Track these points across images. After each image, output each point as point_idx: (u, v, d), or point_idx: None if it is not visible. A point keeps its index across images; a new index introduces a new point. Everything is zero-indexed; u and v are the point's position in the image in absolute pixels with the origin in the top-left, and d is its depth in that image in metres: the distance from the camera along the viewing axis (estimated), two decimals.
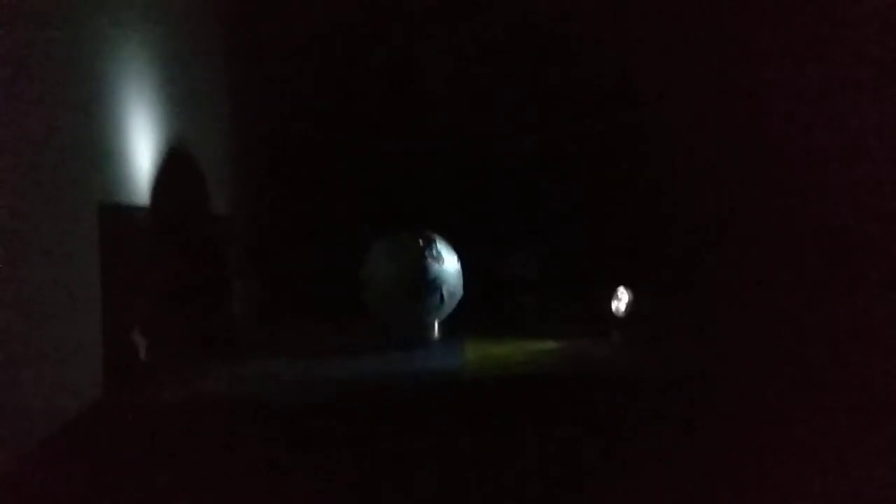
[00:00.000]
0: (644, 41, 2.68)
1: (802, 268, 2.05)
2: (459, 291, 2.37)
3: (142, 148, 2.00)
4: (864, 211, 1.86)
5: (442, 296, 2.29)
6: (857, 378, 1.86)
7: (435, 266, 2.28)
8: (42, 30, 1.54)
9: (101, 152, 1.80)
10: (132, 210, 1.93)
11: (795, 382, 1.89)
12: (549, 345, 2.35)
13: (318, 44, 2.97)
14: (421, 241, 2.30)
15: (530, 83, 3.04)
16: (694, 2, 2.48)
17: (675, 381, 1.98)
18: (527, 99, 3.05)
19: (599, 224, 2.92)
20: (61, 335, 1.59)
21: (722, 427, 1.87)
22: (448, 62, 3.11)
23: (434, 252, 2.29)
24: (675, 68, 2.57)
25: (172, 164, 2.16)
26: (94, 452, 1.61)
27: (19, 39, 1.46)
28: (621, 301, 2.64)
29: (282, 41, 2.90)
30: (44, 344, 1.52)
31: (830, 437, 1.80)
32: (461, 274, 2.38)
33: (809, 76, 1.99)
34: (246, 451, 1.70)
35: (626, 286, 2.64)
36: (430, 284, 2.27)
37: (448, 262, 2.32)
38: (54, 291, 1.56)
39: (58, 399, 1.58)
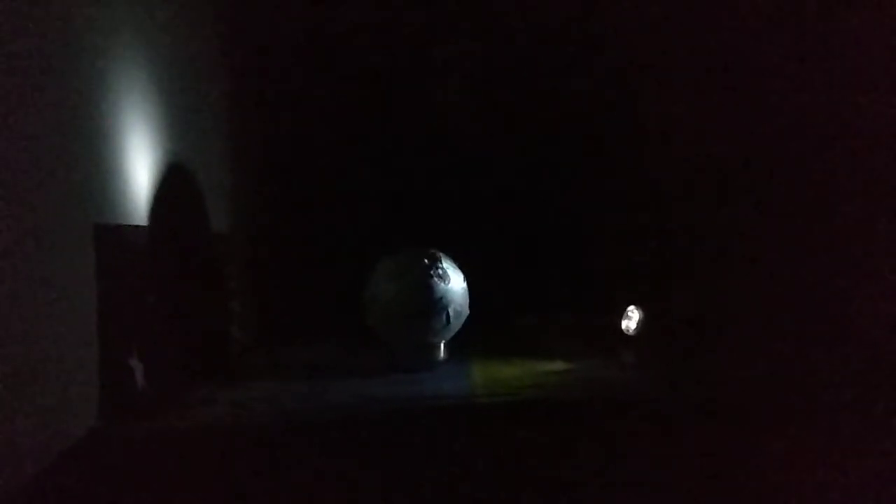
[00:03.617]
0: (651, 60, 2.68)
1: (815, 283, 2.01)
2: (466, 311, 2.32)
3: (139, 166, 1.96)
4: (870, 221, 1.84)
5: (448, 316, 2.24)
6: (864, 388, 1.82)
7: (441, 285, 2.22)
8: (37, 50, 1.51)
9: (97, 171, 1.76)
10: (129, 230, 1.88)
11: (813, 402, 1.85)
12: (559, 365, 2.30)
13: (321, 61, 2.96)
14: (426, 260, 2.25)
15: (539, 104, 3.03)
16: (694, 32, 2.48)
17: (688, 400, 1.93)
18: (534, 118, 3.04)
19: (609, 242, 2.91)
20: (55, 361, 1.53)
21: (737, 448, 1.83)
22: (455, 78, 3.11)
23: (439, 271, 2.24)
24: (680, 84, 2.56)
25: (170, 183, 2.12)
26: (89, 483, 1.57)
27: (13, 59, 1.42)
28: (632, 319, 2.60)
29: (282, 59, 2.90)
30: (36, 370, 1.46)
31: (845, 453, 1.77)
32: (467, 293, 2.32)
33: (813, 89, 1.98)
34: (246, 478, 1.67)
35: (637, 304, 2.59)
36: (435, 304, 2.21)
37: (454, 281, 2.26)
38: (48, 315, 1.51)
39: (51, 428, 1.52)
